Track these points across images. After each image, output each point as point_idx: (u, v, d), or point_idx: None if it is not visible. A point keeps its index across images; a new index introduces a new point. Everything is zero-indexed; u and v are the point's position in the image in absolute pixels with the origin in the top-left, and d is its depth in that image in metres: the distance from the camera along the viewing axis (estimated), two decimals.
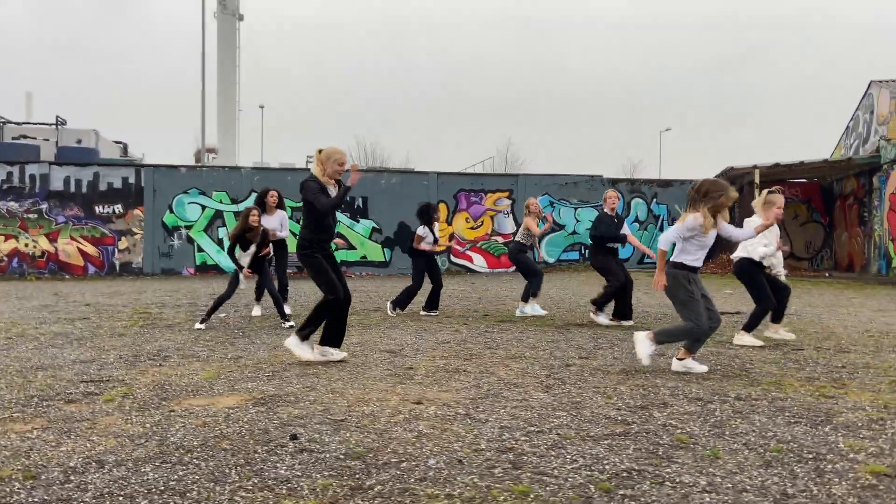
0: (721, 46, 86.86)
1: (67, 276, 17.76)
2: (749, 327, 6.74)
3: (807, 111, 75.68)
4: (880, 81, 17.85)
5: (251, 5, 73.95)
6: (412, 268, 9.10)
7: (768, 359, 5.90)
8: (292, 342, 5.48)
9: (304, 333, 5.50)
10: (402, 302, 8.91)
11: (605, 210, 8.34)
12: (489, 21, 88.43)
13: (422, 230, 8.87)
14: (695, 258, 5.36)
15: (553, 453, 3.33)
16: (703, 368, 5.28)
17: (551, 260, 19.33)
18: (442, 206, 19.60)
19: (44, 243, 17.91)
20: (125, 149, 34.75)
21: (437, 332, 7.45)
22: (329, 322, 5.58)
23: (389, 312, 8.83)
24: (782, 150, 68.23)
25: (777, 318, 7.08)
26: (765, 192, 6.75)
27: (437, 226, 9.06)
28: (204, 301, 10.83)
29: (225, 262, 16.89)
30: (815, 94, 76.28)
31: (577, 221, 20.07)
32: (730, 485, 2.96)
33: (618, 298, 8.17)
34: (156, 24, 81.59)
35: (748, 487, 2.93)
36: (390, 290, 13.32)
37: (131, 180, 18.39)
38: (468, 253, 19.66)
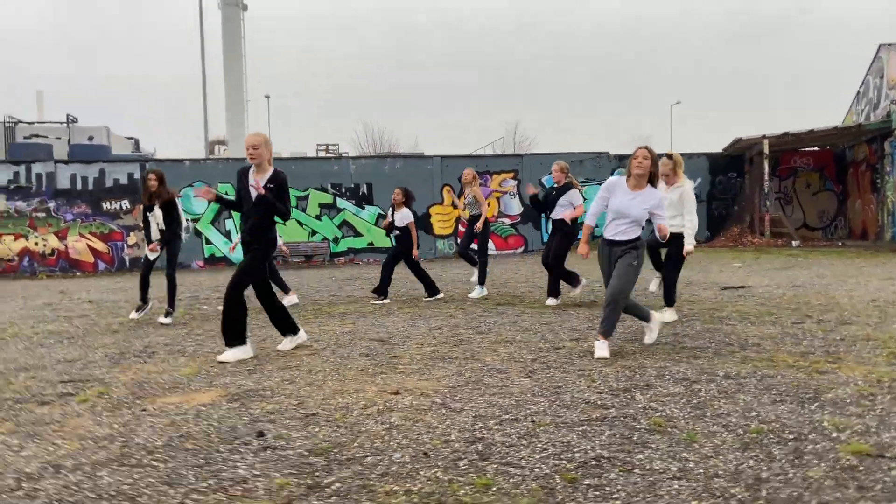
0: (733, 17, 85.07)
1: (78, 274, 17.91)
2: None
3: (820, 80, 73.95)
4: (889, 45, 17.30)
5: None
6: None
7: (766, 334, 5.75)
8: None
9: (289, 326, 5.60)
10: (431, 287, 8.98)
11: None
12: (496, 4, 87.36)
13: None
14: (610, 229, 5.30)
15: (524, 442, 3.23)
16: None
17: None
18: (447, 190, 19.46)
19: (53, 241, 18.05)
20: (137, 144, 34.95)
21: (431, 318, 7.36)
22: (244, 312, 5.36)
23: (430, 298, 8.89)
24: (797, 119, 66.84)
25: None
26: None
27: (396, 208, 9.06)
28: (206, 294, 10.84)
29: (235, 255, 16.92)
30: (828, 62, 74.45)
31: (585, 200, 19.79)
32: (702, 470, 2.84)
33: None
34: (163, 18, 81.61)
35: (721, 472, 2.82)
36: (396, 276, 13.24)
37: (136, 175, 18.44)
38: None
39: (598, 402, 3.83)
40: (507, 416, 3.63)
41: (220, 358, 5.17)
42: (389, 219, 9.12)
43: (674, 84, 74.71)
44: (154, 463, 3.04)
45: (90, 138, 28.23)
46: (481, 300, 8.81)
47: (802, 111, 66.44)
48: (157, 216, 7.67)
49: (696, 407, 3.70)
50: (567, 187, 8.23)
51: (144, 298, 7.81)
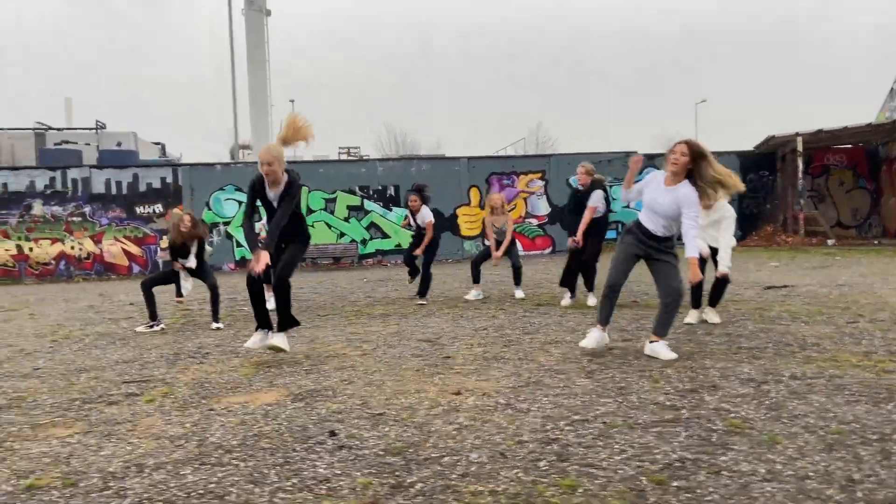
0: (756, 14, 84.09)
1: (113, 277, 18.18)
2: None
3: (847, 78, 72.79)
4: None
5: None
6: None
7: (822, 333, 5.64)
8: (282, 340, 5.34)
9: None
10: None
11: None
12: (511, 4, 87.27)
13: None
14: (644, 217, 5.10)
15: (600, 443, 3.20)
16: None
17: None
18: (474, 191, 19.45)
19: (89, 245, 18.35)
20: (163, 149, 35.40)
21: (474, 318, 7.34)
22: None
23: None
24: (822, 117, 65.75)
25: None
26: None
27: (415, 212, 9.04)
28: (243, 295, 10.92)
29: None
30: (856, 60, 73.23)
31: (613, 199, 19.64)
32: (791, 472, 2.79)
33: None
34: (183, 23, 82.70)
35: (811, 474, 2.76)
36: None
37: (169, 180, 18.68)
38: None
39: (668, 404, 3.78)
40: (576, 417, 3.59)
41: (272, 342, 5.26)
42: (412, 223, 9.11)
43: (683, 83, 74.15)
44: (234, 462, 3.06)
45: (118, 144, 28.65)
46: (520, 301, 8.78)
47: (802, 110, 65.64)
48: (188, 260, 7.52)
49: (770, 408, 3.64)
50: (592, 188, 8.09)
51: (155, 314, 7.41)
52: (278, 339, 5.33)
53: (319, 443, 3.30)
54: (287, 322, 5.41)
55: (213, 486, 2.80)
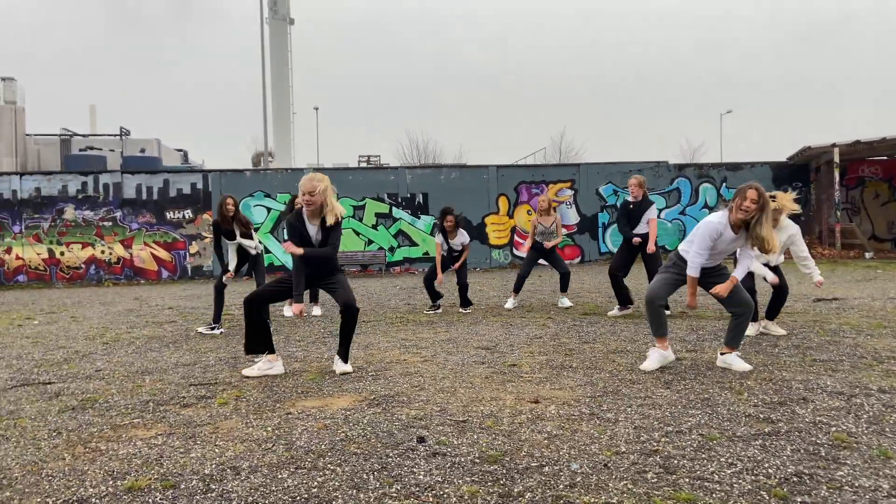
0: (782, 24, 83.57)
1: (143, 281, 18.27)
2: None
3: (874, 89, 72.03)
4: None
5: (300, 8, 74.99)
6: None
7: (893, 347, 5.47)
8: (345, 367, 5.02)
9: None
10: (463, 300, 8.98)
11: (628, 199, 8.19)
12: (534, 6, 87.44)
13: (439, 238, 8.92)
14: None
15: (703, 456, 3.08)
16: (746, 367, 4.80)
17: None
18: (503, 200, 19.38)
19: (119, 250, 18.47)
20: (185, 156, 35.77)
21: (524, 327, 7.23)
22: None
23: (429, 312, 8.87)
24: (818, 120, 64.63)
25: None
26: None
27: (451, 234, 8.88)
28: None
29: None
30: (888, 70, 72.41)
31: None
32: None
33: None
34: (209, 32, 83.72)
35: None
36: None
37: (199, 186, 18.79)
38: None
39: (761, 416, 3.65)
40: (669, 429, 3.48)
41: (345, 369, 4.96)
42: (446, 246, 8.88)
43: (699, 90, 73.81)
44: (330, 466, 2.98)
45: (142, 150, 28.97)
46: (563, 310, 8.66)
47: (799, 114, 64.93)
48: (246, 244, 7.53)
49: (870, 422, 3.50)
50: (647, 203, 8.14)
51: (218, 317, 7.40)
52: (346, 366, 4.99)
53: (411, 449, 3.21)
54: (348, 348, 5.13)
55: (315, 490, 2.72)
